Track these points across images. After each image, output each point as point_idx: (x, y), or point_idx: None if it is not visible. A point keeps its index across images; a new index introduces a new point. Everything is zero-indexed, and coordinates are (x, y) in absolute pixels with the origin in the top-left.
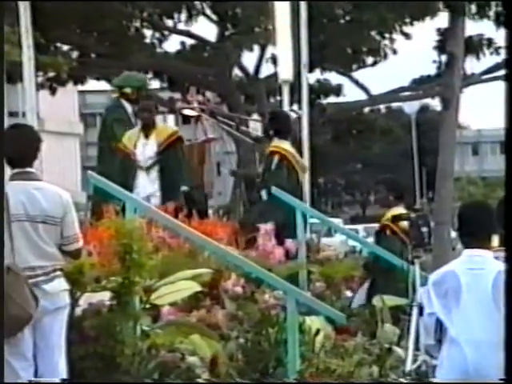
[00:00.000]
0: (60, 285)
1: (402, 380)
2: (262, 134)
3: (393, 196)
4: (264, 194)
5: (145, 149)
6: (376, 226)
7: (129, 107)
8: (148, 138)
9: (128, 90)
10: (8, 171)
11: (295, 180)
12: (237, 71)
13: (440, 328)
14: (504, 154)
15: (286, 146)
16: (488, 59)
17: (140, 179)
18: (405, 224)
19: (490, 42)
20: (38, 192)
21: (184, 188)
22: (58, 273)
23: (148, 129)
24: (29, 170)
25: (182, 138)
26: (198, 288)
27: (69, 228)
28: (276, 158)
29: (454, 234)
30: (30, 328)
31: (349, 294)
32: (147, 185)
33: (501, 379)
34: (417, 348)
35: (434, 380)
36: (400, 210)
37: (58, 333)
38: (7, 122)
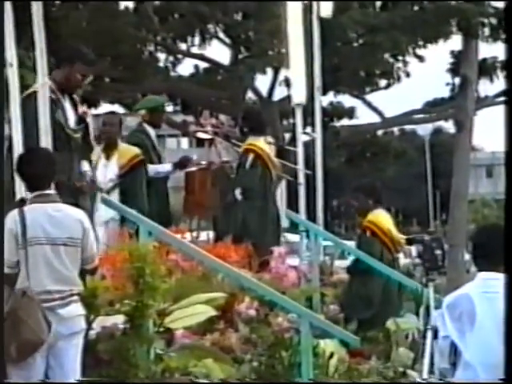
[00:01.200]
0: (76, 309)
1: (418, 380)
2: (237, 133)
3: (372, 200)
4: (237, 193)
5: (106, 170)
6: None
7: (151, 131)
8: (109, 159)
9: (143, 112)
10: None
11: (269, 178)
12: (250, 94)
13: (454, 351)
14: None
15: (260, 143)
16: (501, 82)
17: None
18: (386, 225)
19: (503, 64)
20: (59, 214)
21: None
22: (75, 297)
23: (110, 149)
24: (48, 192)
25: (144, 161)
26: (213, 312)
27: (88, 249)
28: (251, 157)
29: (467, 257)
30: (43, 353)
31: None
32: (108, 208)
33: (501, 379)
34: (431, 371)
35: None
36: (381, 212)
37: (73, 358)
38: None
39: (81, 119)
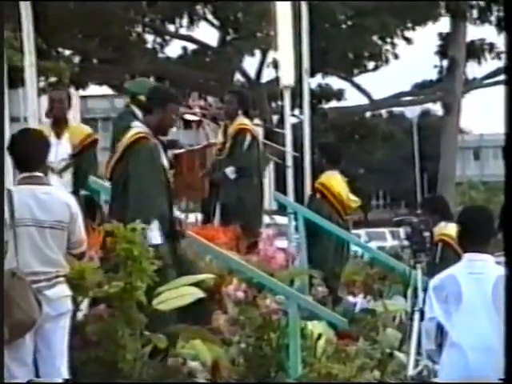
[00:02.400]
0: (62, 291)
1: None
2: (224, 114)
3: (326, 160)
4: (230, 172)
5: (57, 149)
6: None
7: (140, 113)
8: (60, 137)
9: (142, 98)
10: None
11: (262, 160)
12: (238, 76)
13: (441, 333)
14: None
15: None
16: (489, 64)
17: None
18: (337, 188)
19: (491, 46)
20: (46, 196)
21: (83, 192)
22: (61, 279)
23: (59, 126)
24: (37, 174)
25: (97, 141)
26: (201, 294)
27: (76, 234)
28: (248, 136)
29: None
30: (32, 333)
31: (351, 298)
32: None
33: (500, 379)
34: (418, 353)
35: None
36: (335, 174)
37: (60, 339)
38: (9, 127)
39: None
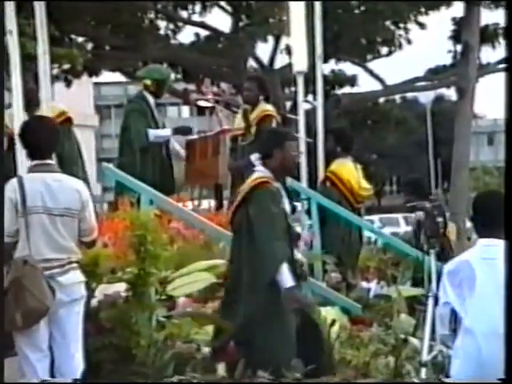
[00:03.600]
0: (75, 277)
1: (415, 380)
2: (243, 100)
3: (340, 147)
4: (256, 158)
5: None
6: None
7: (151, 99)
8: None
9: (148, 82)
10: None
11: None
12: (251, 62)
13: (455, 318)
14: None
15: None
16: (503, 48)
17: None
18: (347, 176)
19: (505, 30)
20: (57, 184)
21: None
22: (74, 265)
23: (31, 108)
24: (48, 161)
25: (71, 120)
26: (214, 279)
27: (86, 221)
28: (274, 123)
29: (469, 225)
30: (46, 320)
31: (364, 284)
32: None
33: (500, 379)
34: (433, 338)
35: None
36: (347, 161)
37: (75, 325)
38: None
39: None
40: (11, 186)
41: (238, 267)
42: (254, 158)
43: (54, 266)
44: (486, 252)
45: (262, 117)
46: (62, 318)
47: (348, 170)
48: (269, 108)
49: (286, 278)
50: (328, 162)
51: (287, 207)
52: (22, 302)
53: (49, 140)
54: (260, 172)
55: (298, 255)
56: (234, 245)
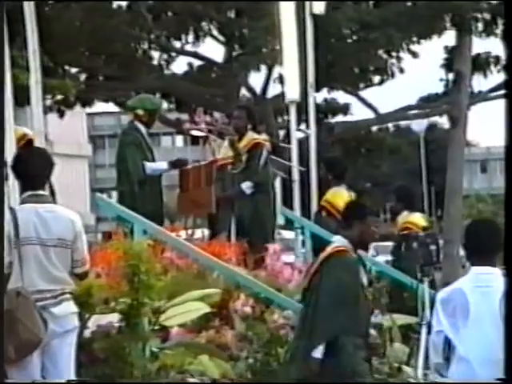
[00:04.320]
0: (68, 308)
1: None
2: (232, 129)
3: (331, 175)
4: (246, 186)
5: None
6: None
7: (143, 129)
8: None
9: (140, 112)
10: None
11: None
12: (244, 91)
13: (448, 346)
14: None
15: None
16: (495, 77)
17: None
18: (341, 203)
19: (497, 59)
20: (51, 215)
21: None
22: (67, 296)
23: None
24: (41, 192)
25: (32, 141)
26: (207, 309)
27: (79, 252)
28: (264, 151)
29: (463, 252)
30: (38, 351)
31: None
32: None
33: (501, 379)
34: (427, 367)
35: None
36: (341, 190)
37: (67, 356)
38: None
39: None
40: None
41: (301, 324)
42: (245, 186)
43: (47, 297)
44: (478, 280)
45: (252, 144)
46: (55, 349)
47: (343, 198)
48: (257, 136)
49: (320, 350)
50: (322, 190)
51: (364, 279)
52: (15, 334)
53: (41, 171)
54: (339, 241)
55: (371, 331)
56: (304, 303)
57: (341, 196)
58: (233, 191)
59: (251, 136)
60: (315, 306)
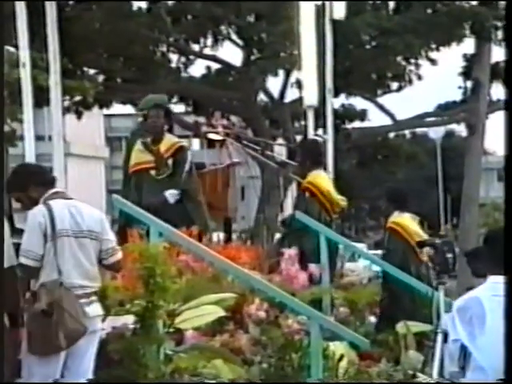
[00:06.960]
0: (98, 309)
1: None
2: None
3: (310, 161)
4: (171, 195)
5: None
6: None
7: None
8: None
9: (146, 112)
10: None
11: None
12: (262, 96)
13: (464, 355)
14: None
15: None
16: None
17: None
18: (326, 187)
19: None
20: (76, 209)
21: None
22: (95, 297)
23: None
24: (62, 190)
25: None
26: (222, 313)
27: (107, 241)
28: (190, 156)
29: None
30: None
31: (373, 319)
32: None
33: (500, 379)
34: (441, 375)
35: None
36: (320, 173)
37: (90, 357)
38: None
39: None
40: (40, 212)
41: None
42: (169, 194)
43: (80, 295)
44: (495, 289)
45: (177, 148)
46: (81, 348)
47: (325, 180)
48: (178, 139)
49: None
50: (299, 175)
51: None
52: (62, 323)
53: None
54: None
55: None
56: None
57: (323, 178)
58: (158, 199)
59: (172, 139)
60: None
